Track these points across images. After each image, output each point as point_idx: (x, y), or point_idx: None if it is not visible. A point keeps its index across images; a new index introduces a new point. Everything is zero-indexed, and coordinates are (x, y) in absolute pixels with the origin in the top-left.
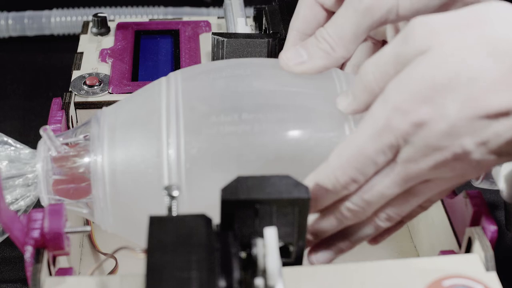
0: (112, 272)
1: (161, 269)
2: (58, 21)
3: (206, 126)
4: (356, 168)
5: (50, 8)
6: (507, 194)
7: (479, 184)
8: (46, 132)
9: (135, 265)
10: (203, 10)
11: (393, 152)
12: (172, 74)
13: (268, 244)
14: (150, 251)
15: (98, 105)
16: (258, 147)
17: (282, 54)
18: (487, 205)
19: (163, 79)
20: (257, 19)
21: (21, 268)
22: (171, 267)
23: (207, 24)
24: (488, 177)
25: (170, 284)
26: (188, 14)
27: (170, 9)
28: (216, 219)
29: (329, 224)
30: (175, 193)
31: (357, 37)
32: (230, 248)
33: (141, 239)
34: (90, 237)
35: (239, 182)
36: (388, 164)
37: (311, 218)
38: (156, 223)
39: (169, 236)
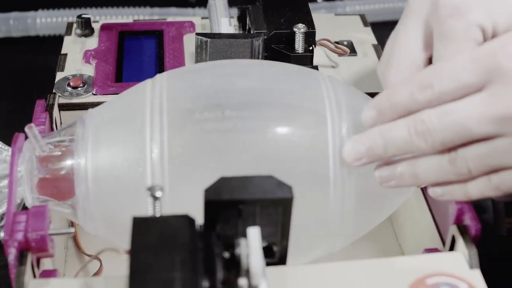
0: (97, 273)
1: (144, 270)
2: (44, 22)
3: (189, 123)
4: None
5: (36, 9)
6: None
7: None
8: (31, 130)
9: (120, 266)
10: (189, 10)
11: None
12: (158, 76)
13: (251, 244)
14: (134, 252)
15: (82, 106)
16: (240, 144)
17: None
18: (470, 203)
19: (149, 80)
20: (241, 19)
21: (5, 273)
22: (154, 267)
23: (191, 25)
24: None
25: (153, 285)
26: (174, 15)
27: (156, 10)
28: (199, 219)
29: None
30: (158, 193)
31: None
32: (214, 248)
33: (124, 241)
34: (75, 239)
35: (222, 183)
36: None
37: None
38: (139, 224)
39: (152, 237)
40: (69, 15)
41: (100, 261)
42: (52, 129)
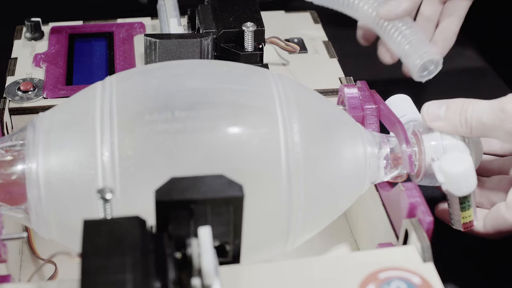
0: (52, 277)
1: (95, 272)
2: None
3: (139, 125)
4: None
5: None
6: (447, 187)
7: (420, 181)
8: None
9: (75, 270)
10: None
11: None
12: (107, 78)
13: (203, 243)
14: (85, 255)
15: (33, 110)
16: (190, 144)
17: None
18: (423, 197)
19: (98, 83)
20: (190, 18)
21: None
22: (105, 270)
23: (141, 26)
24: (428, 174)
25: (105, 287)
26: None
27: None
28: (152, 220)
29: None
30: (108, 196)
31: None
32: (165, 249)
33: (78, 244)
34: (29, 244)
35: (173, 183)
36: None
37: None
38: (90, 226)
39: (103, 239)
40: None
41: (55, 265)
42: (3, 134)
